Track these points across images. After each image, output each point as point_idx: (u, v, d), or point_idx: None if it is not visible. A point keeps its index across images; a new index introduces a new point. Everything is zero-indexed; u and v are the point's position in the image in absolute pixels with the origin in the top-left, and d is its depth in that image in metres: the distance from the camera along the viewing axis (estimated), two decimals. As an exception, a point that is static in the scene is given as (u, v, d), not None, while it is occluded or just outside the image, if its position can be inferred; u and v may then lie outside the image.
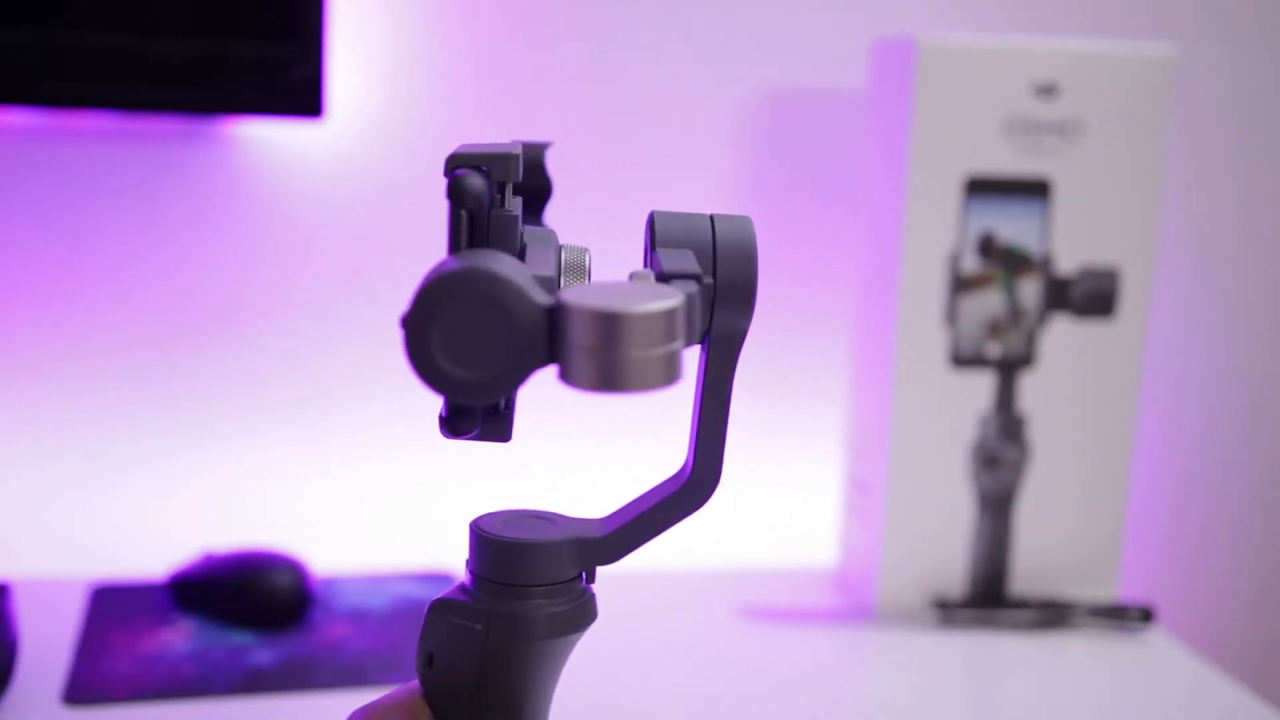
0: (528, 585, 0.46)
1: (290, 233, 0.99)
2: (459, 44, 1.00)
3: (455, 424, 0.43)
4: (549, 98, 1.01)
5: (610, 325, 0.36)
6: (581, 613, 0.47)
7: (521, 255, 0.45)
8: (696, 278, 0.43)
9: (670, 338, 0.38)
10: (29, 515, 0.99)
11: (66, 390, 0.98)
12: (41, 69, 0.88)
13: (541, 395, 1.03)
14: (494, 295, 0.38)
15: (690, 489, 0.47)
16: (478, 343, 0.38)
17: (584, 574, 0.48)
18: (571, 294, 0.37)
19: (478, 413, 0.43)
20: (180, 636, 0.86)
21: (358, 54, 0.98)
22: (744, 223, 0.46)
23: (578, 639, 0.48)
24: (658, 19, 1.02)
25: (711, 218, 0.46)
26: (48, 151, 0.96)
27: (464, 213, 0.42)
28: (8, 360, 0.97)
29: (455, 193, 0.42)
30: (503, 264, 0.40)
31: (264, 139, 0.98)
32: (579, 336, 0.37)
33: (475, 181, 0.42)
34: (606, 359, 0.37)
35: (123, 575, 1.00)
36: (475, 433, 0.45)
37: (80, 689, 0.78)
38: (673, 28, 1.02)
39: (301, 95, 0.91)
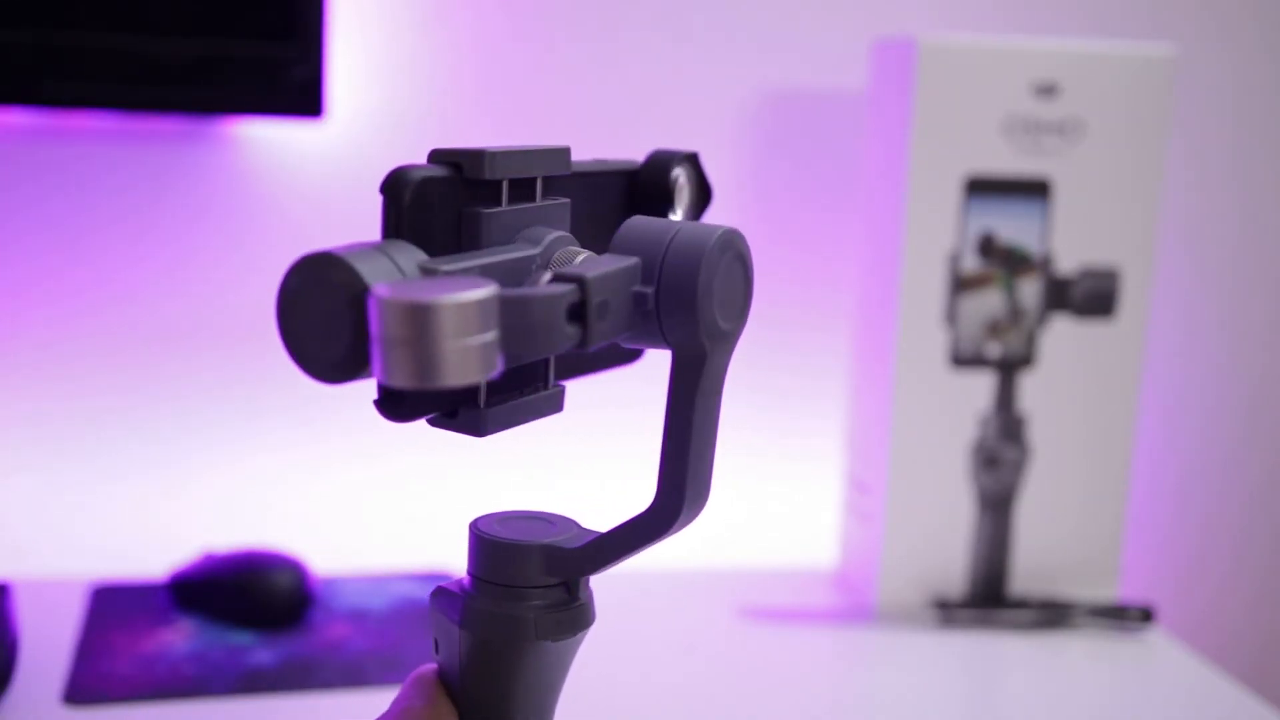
0: (504, 585, 0.46)
1: (290, 233, 0.99)
2: (459, 44, 1.00)
3: (386, 406, 0.43)
4: (549, 98, 1.01)
5: (399, 315, 0.37)
6: (566, 620, 0.46)
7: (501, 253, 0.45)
8: (580, 281, 0.41)
9: (468, 331, 0.37)
10: (29, 515, 0.99)
11: (67, 390, 0.98)
12: (41, 69, 0.88)
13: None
14: (327, 278, 0.39)
15: (653, 517, 0.46)
16: (328, 323, 0.39)
17: (565, 584, 0.47)
18: (378, 286, 0.38)
19: (402, 396, 0.43)
20: (180, 636, 0.86)
21: (358, 54, 0.98)
22: (705, 234, 0.44)
23: (568, 644, 0.47)
24: (658, 19, 1.02)
25: (680, 226, 0.44)
26: (48, 151, 0.96)
27: (393, 206, 0.42)
28: (8, 360, 0.97)
29: (385, 186, 0.42)
30: (377, 252, 0.40)
31: (264, 139, 0.98)
32: (376, 327, 0.37)
33: (408, 176, 0.42)
34: (407, 350, 0.37)
35: (123, 575, 1.00)
36: (433, 417, 0.45)
37: (80, 689, 0.78)
38: (673, 28, 1.02)
39: (301, 95, 0.91)
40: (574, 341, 0.41)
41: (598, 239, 0.51)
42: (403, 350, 0.37)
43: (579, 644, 0.48)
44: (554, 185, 0.49)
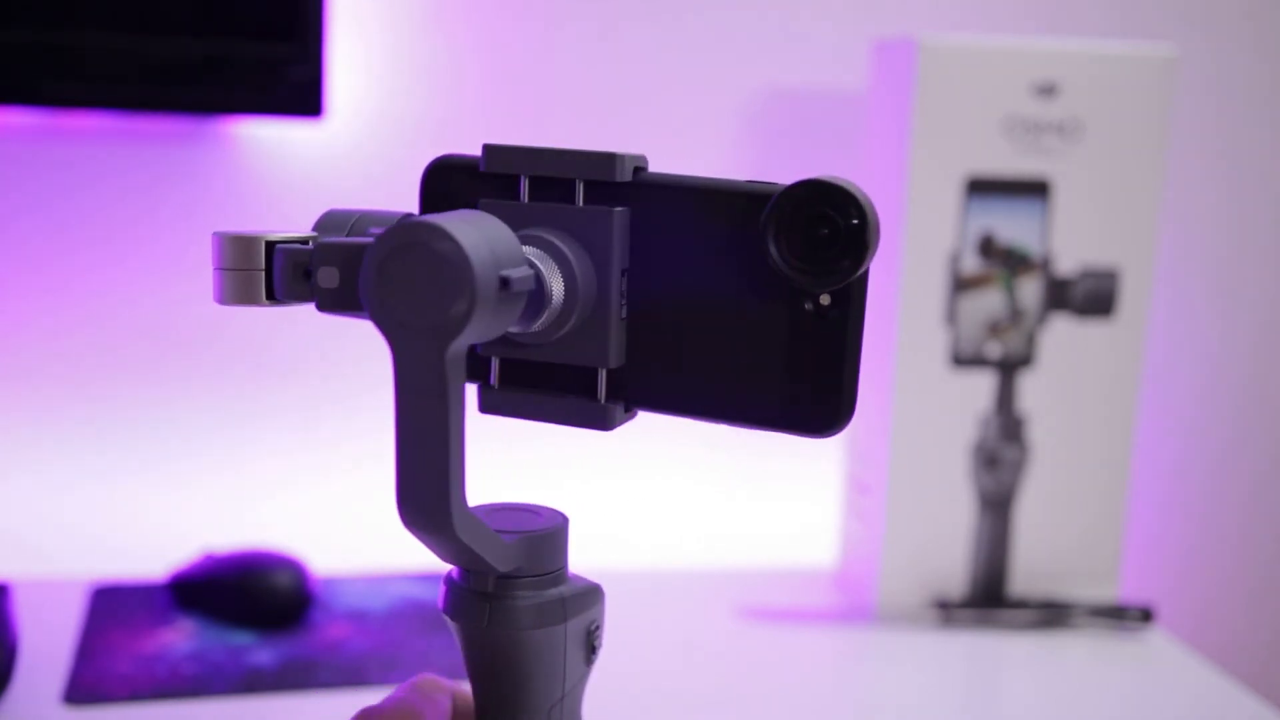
0: (474, 572, 0.47)
1: (290, 233, 0.99)
2: (459, 44, 1.00)
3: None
4: (549, 98, 1.01)
5: (222, 246, 0.47)
6: (523, 614, 0.46)
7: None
8: (303, 239, 0.48)
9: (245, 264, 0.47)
10: (29, 515, 0.99)
11: (67, 390, 0.98)
12: (41, 69, 0.88)
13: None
14: None
15: None
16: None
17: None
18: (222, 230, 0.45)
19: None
20: (180, 636, 0.86)
21: (358, 54, 0.98)
22: (386, 222, 0.49)
23: (530, 638, 0.46)
24: (658, 19, 1.02)
25: (408, 217, 0.48)
26: (48, 151, 0.96)
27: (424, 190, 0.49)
28: (8, 360, 0.97)
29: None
30: (346, 215, 0.50)
31: (264, 139, 0.98)
32: (214, 258, 0.47)
33: (433, 163, 0.49)
34: (225, 274, 0.47)
35: (123, 575, 1.00)
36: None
37: (80, 689, 0.78)
38: (673, 27, 1.02)
39: (301, 95, 0.91)
40: (308, 297, 0.46)
41: (708, 257, 0.47)
42: (223, 274, 0.46)
43: (548, 640, 0.47)
44: (606, 192, 0.47)
